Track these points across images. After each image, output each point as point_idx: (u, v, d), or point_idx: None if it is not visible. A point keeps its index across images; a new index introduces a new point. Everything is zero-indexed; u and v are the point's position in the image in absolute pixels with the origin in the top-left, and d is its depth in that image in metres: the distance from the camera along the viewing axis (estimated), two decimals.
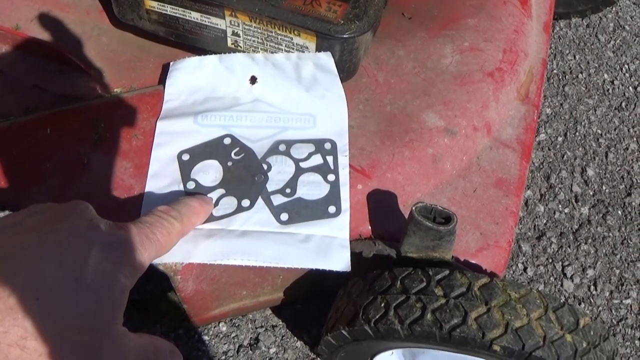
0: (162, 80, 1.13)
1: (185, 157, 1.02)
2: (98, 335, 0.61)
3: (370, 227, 1.03)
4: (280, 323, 1.46)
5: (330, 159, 1.03)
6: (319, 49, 1.05)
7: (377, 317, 0.89)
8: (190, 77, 1.11)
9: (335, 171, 1.02)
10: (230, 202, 0.98)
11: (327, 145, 1.04)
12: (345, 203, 0.99)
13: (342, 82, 1.09)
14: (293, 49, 1.06)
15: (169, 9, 1.08)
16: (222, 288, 1.05)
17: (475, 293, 0.87)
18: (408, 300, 0.88)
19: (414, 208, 0.89)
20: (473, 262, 1.03)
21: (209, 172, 1.01)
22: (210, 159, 1.03)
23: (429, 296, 0.88)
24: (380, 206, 1.04)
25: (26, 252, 0.62)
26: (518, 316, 0.85)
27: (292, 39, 1.04)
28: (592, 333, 0.88)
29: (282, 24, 1.03)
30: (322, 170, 1.02)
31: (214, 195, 0.99)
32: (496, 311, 0.85)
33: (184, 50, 1.17)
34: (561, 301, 0.89)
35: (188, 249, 0.92)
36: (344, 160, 1.03)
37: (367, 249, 1.00)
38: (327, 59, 1.05)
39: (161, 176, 1.01)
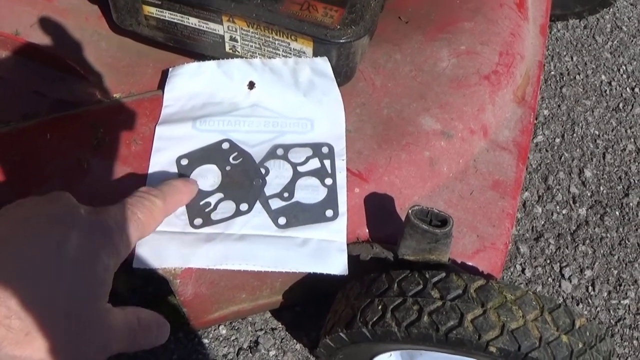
0: (161, 85, 1.14)
1: (184, 161, 1.03)
2: (83, 311, 0.63)
3: (367, 230, 1.04)
4: (280, 326, 1.46)
5: (327, 162, 1.04)
6: (316, 53, 1.05)
7: (374, 319, 0.90)
8: (189, 82, 1.12)
9: (333, 175, 1.03)
10: (228, 206, 0.99)
11: (325, 149, 1.05)
12: (342, 207, 1.00)
13: (339, 86, 1.10)
14: (290, 53, 1.07)
15: (167, 15, 1.08)
16: (222, 291, 1.05)
17: (471, 295, 0.88)
18: (405, 303, 0.89)
19: (410, 211, 0.90)
20: (470, 264, 1.04)
21: (207, 177, 1.02)
22: (209, 163, 1.03)
23: (426, 298, 0.89)
24: (378, 209, 1.05)
25: (8, 237, 0.64)
26: (514, 317, 0.86)
27: (289, 44, 1.05)
28: (588, 334, 0.89)
29: (279, 29, 1.03)
30: (320, 174, 1.03)
31: (212, 199, 0.99)
32: (492, 313, 0.86)
33: (182, 55, 1.18)
34: (557, 302, 0.90)
35: (187, 253, 0.93)
36: (341, 164, 1.04)
37: (365, 251, 1.01)
38: (323, 64, 1.06)
39: (160, 181, 1.02)
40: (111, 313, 0.67)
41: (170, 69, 1.14)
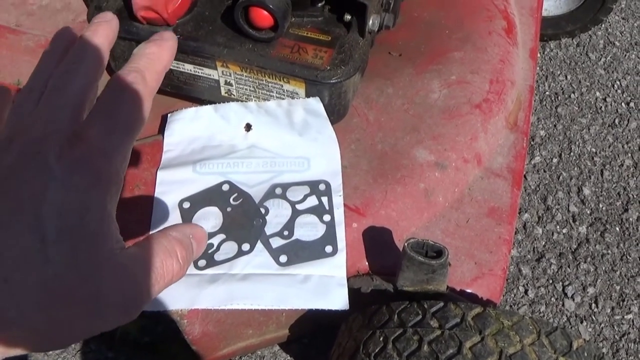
0: (161, 130, 1.17)
1: (186, 205, 1.06)
2: (92, 281, 0.51)
3: (367, 263, 1.06)
4: (289, 358, 1.48)
5: (325, 199, 1.06)
6: (308, 94, 1.08)
7: (376, 351, 0.92)
8: (188, 127, 1.15)
9: (331, 211, 1.05)
10: (231, 247, 1.02)
11: (322, 187, 1.08)
12: (341, 242, 1.02)
13: (333, 124, 1.12)
14: (284, 95, 1.10)
15: None
16: (229, 329, 1.07)
17: (469, 323, 0.90)
18: (405, 334, 0.91)
19: (406, 244, 0.92)
20: (469, 291, 1.06)
21: (209, 219, 1.04)
22: (210, 205, 1.06)
23: (425, 328, 0.90)
24: (376, 242, 1.07)
25: None
26: (511, 343, 0.88)
27: (282, 86, 1.08)
28: (585, 354, 0.90)
29: (271, 73, 1.06)
30: (318, 211, 1.05)
31: (215, 240, 1.02)
32: (490, 339, 0.88)
33: (180, 99, 1.20)
34: (553, 325, 0.92)
35: (193, 294, 0.96)
36: (338, 200, 1.06)
37: (366, 284, 1.03)
38: (316, 104, 1.09)
39: (163, 225, 1.04)
40: (123, 253, 0.54)
41: (169, 115, 1.17)
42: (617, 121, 2.11)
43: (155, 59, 0.63)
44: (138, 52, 0.63)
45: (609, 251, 1.76)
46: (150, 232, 1.04)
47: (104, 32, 0.63)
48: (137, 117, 0.58)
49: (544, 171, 1.92)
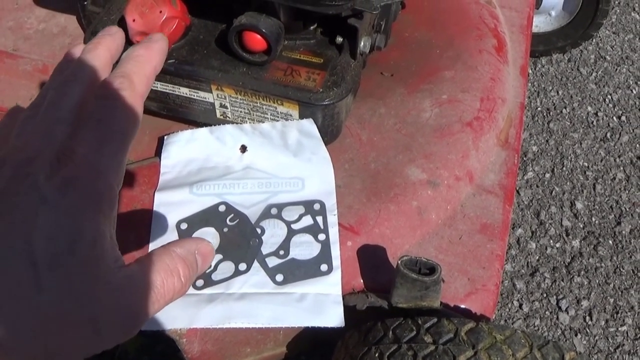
0: (158, 152, 1.18)
1: (184, 226, 1.07)
2: (87, 305, 0.50)
3: (362, 281, 1.07)
4: None
5: (319, 219, 1.08)
6: (301, 116, 1.10)
7: None
8: (184, 149, 1.16)
9: (325, 230, 1.07)
10: (228, 267, 1.03)
11: (316, 206, 1.09)
12: (336, 261, 1.04)
13: (327, 144, 1.14)
14: (278, 117, 1.12)
15: (159, 86, 1.13)
16: (227, 347, 1.08)
17: (462, 338, 0.91)
18: (400, 349, 0.92)
19: (399, 262, 0.93)
20: (463, 306, 1.07)
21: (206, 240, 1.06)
22: (207, 226, 1.07)
23: (419, 344, 0.92)
24: (371, 260, 1.08)
25: None
26: (504, 357, 0.89)
27: (276, 108, 1.10)
28: None
29: (265, 95, 1.08)
30: (313, 230, 1.07)
31: (212, 260, 1.03)
32: (483, 354, 0.89)
33: (176, 121, 1.22)
34: (546, 339, 0.93)
35: (191, 314, 0.97)
36: (333, 219, 1.08)
37: (361, 301, 1.04)
38: (309, 125, 1.11)
39: (162, 245, 1.06)
40: (121, 271, 0.53)
41: (165, 137, 1.19)
42: (608, 135, 2.13)
43: (143, 61, 0.62)
44: (125, 56, 0.62)
45: (603, 264, 1.77)
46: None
47: (105, 44, 0.62)
48: (127, 125, 0.57)
49: (537, 186, 1.94)
